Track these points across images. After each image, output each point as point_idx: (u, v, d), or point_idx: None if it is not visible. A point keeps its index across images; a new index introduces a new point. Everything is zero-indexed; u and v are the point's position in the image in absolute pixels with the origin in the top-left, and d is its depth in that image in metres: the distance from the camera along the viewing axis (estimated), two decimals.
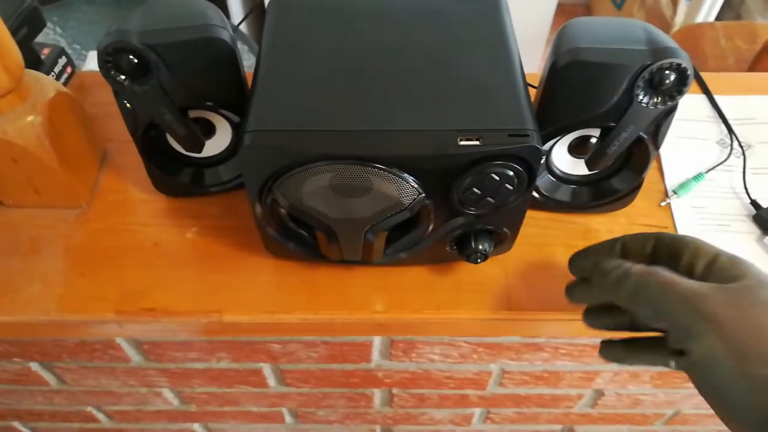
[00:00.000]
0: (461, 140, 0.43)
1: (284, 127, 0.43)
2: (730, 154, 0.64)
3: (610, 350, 0.47)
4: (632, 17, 1.91)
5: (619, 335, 0.47)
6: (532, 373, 0.75)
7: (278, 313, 0.54)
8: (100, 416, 0.90)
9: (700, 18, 1.60)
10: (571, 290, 0.48)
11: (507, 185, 0.45)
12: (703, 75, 0.71)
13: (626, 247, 0.46)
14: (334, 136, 0.43)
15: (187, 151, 0.55)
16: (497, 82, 0.46)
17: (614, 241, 0.47)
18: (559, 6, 1.69)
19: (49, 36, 1.07)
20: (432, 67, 0.47)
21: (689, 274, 0.41)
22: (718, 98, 0.68)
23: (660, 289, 0.39)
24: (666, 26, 1.80)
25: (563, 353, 0.70)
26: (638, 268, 0.41)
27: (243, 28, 1.57)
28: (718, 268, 0.40)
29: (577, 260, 0.49)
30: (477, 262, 0.52)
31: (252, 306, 0.54)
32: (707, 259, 0.41)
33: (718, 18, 1.63)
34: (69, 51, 1.03)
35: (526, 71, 0.48)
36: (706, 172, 0.62)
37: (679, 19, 1.76)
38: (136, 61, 0.46)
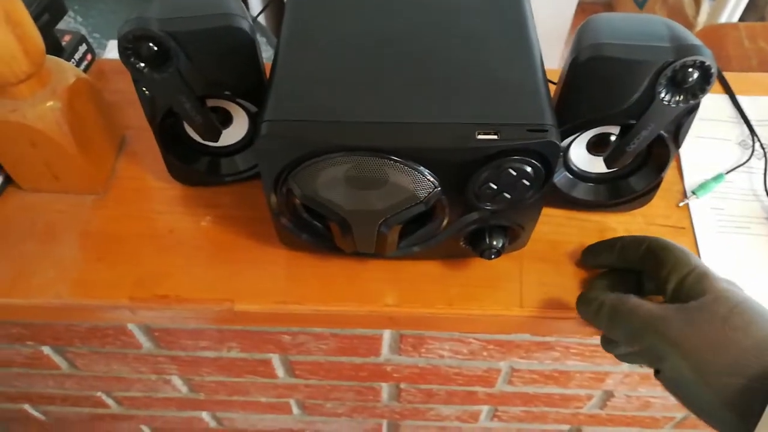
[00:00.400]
0: (479, 134, 0.42)
1: (301, 118, 0.43)
2: (751, 155, 0.63)
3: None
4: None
5: None
6: (542, 372, 0.75)
7: (290, 304, 0.54)
8: (110, 401, 0.90)
9: (723, 18, 1.58)
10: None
11: (524, 181, 0.45)
12: (726, 75, 0.71)
13: (624, 247, 0.51)
14: (350, 127, 0.43)
15: (204, 139, 0.55)
16: (516, 76, 0.46)
17: (615, 240, 0.53)
18: (580, 4, 1.68)
19: (70, 24, 1.08)
20: (450, 60, 0.47)
21: (664, 287, 0.46)
22: (740, 98, 0.68)
23: (628, 317, 0.45)
24: (688, 26, 1.78)
25: (574, 353, 0.69)
26: (611, 298, 0.47)
27: (261, 19, 1.57)
28: (686, 285, 0.44)
29: (585, 262, 0.55)
30: (491, 258, 0.51)
31: (264, 296, 0.54)
32: (680, 275, 0.45)
33: (741, 18, 1.61)
34: (90, 39, 1.04)
35: (547, 68, 0.48)
36: (727, 173, 0.61)
37: (702, 19, 1.74)
38: (155, 48, 0.46)
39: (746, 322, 0.40)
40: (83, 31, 1.06)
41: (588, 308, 0.49)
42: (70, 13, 1.04)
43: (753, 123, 0.65)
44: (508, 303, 0.54)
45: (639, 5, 2.00)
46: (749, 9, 1.69)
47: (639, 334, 0.44)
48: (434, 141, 0.43)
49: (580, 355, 0.70)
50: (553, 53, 1.75)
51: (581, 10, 1.72)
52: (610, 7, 2.29)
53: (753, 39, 1.23)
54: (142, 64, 0.47)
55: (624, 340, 0.47)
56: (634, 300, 0.45)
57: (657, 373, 0.44)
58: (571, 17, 1.69)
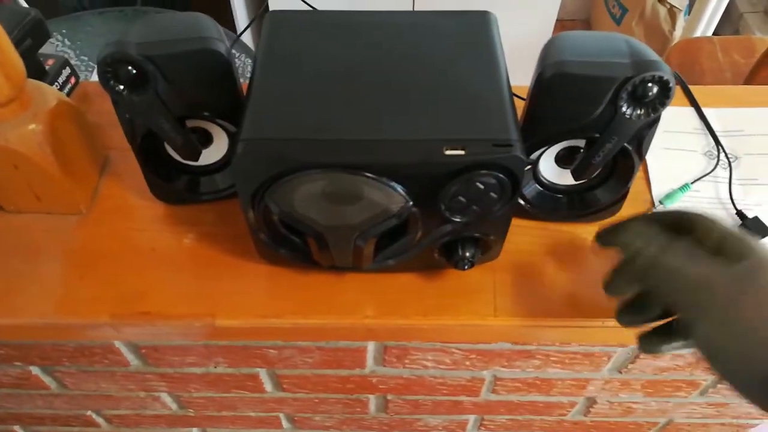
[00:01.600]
0: (447, 149, 0.44)
1: (276, 136, 0.45)
2: (716, 165, 0.65)
3: (647, 343, 0.48)
4: (631, 32, 1.92)
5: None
6: (525, 380, 0.76)
7: (270, 318, 0.55)
8: (100, 420, 0.91)
9: (698, 32, 1.61)
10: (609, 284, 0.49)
11: (492, 194, 0.46)
12: (693, 88, 0.73)
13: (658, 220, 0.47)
14: (324, 145, 0.44)
15: (184, 159, 0.56)
16: (484, 94, 0.47)
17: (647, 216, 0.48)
18: (559, 21, 1.71)
19: (57, 47, 1.10)
20: (421, 79, 0.49)
21: (704, 243, 0.43)
22: (706, 110, 0.70)
23: (674, 274, 0.42)
24: (665, 40, 1.82)
25: (554, 360, 0.71)
26: (653, 247, 0.43)
27: (247, 37, 1.60)
28: (727, 247, 0.42)
29: (605, 236, 0.49)
30: (464, 269, 0.53)
31: (244, 310, 0.55)
32: (721, 233, 0.43)
33: (716, 32, 1.64)
34: (76, 62, 1.06)
35: (524, 85, 0.49)
36: (693, 182, 0.63)
37: (678, 34, 1.78)
38: (134, 71, 0.48)
39: None
40: (71, 55, 1.08)
41: (631, 243, 0.45)
42: (58, 36, 1.06)
43: (718, 134, 0.67)
44: (482, 312, 0.55)
45: (616, 22, 2.04)
46: (724, 23, 1.73)
47: (676, 297, 0.42)
48: (405, 157, 0.44)
49: (561, 363, 0.71)
50: (532, 68, 1.77)
51: (561, 26, 1.75)
52: (587, 24, 2.33)
53: (727, 52, 1.26)
54: (122, 87, 0.49)
55: (657, 299, 0.44)
56: (676, 259, 0.42)
57: (686, 335, 0.43)
58: (549, 33, 1.72)
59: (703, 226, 0.44)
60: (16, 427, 0.94)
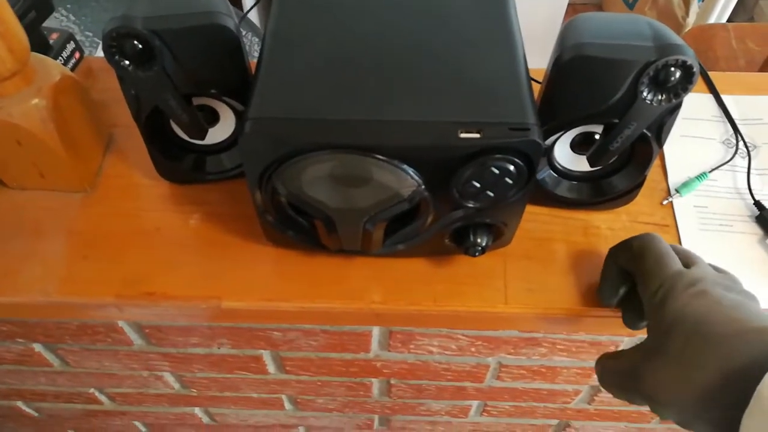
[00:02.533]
0: (461, 132, 0.43)
1: (285, 116, 0.44)
2: (735, 154, 0.63)
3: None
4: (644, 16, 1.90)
5: None
6: (530, 368, 0.75)
7: (276, 301, 0.54)
8: (103, 398, 0.91)
9: (712, 19, 1.59)
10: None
11: (507, 179, 0.45)
12: (711, 74, 0.71)
13: (618, 250, 0.51)
14: (334, 125, 0.43)
15: (190, 137, 0.55)
16: (500, 75, 0.46)
17: (626, 241, 0.50)
18: (571, 5, 1.68)
19: (62, 23, 1.08)
20: (435, 59, 0.47)
21: (642, 298, 0.46)
22: (725, 98, 0.68)
23: (610, 374, 0.46)
24: (678, 26, 1.79)
25: (561, 349, 0.70)
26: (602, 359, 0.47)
27: (253, 15, 1.57)
28: (654, 303, 0.44)
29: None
30: (475, 256, 0.52)
31: (250, 293, 0.54)
32: (650, 291, 0.45)
33: (730, 19, 1.61)
34: (81, 38, 1.04)
35: (535, 69, 0.48)
36: (710, 171, 0.62)
37: (691, 20, 1.75)
38: (140, 46, 0.46)
39: (701, 353, 0.38)
40: (75, 30, 1.06)
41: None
42: (63, 11, 1.04)
43: (737, 122, 0.66)
44: (492, 300, 0.54)
45: (629, 6, 2.01)
46: (738, 9, 1.69)
47: (623, 391, 0.44)
48: (417, 139, 0.43)
49: (567, 351, 0.70)
50: (543, 52, 1.75)
51: (572, 9, 1.73)
52: (599, 8, 2.29)
53: (741, 39, 1.24)
54: (127, 62, 0.47)
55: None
56: (612, 356, 0.46)
57: None
58: (561, 17, 1.69)
59: (647, 275, 0.46)
60: (19, 403, 0.94)
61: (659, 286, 0.44)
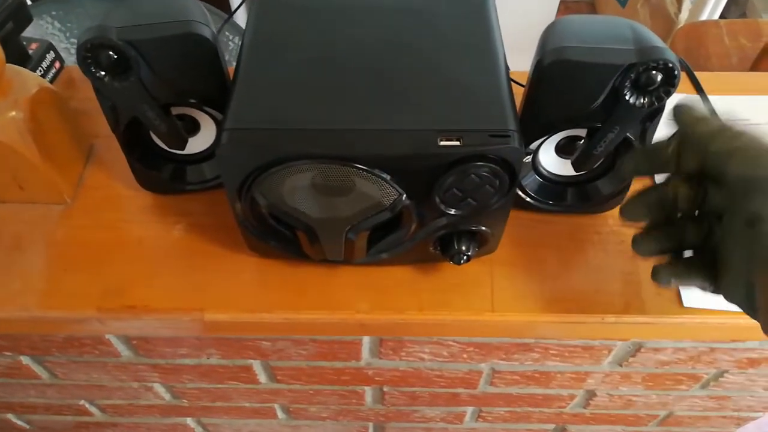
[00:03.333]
0: (441, 140, 0.42)
1: (263, 125, 0.43)
2: None
3: (665, 271, 0.42)
4: (636, 14, 1.89)
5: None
6: (523, 373, 0.75)
7: (259, 312, 0.53)
8: (93, 409, 0.90)
9: (704, 16, 1.58)
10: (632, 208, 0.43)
11: (488, 186, 0.45)
12: (699, 75, 0.70)
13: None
14: (313, 135, 0.43)
15: (169, 147, 0.54)
16: (480, 82, 0.45)
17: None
18: (563, 3, 1.68)
19: (47, 30, 1.07)
20: (414, 66, 0.47)
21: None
22: (713, 98, 0.67)
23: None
24: (670, 24, 1.78)
25: (553, 354, 0.69)
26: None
27: (242, 18, 1.56)
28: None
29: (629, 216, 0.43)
30: (460, 263, 0.51)
31: (233, 304, 0.54)
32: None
33: (722, 16, 1.61)
34: (66, 46, 1.03)
35: (525, 70, 0.47)
36: None
37: (684, 17, 1.74)
38: (115, 57, 0.46)
39: None
40: (61, 38, 1.05)
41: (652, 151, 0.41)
42: (47, 19, 1.03)
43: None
44: (479, 308, 0.54)
45: (621, 4, 2.00)
46: (730, 5, 1.69)
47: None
48: (397, 148, 0.42)
49: (560, 356, 0.70)
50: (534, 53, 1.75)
51: (565, 8, 1.72)
52: (592, 6, 2.28)
53: (733, 36, 1.23)
54: (103, 73, 0.47)
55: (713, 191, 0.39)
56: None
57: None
58: (553, 16, 1.69)
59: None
60: (10, 416, 0.93)
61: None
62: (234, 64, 0.51)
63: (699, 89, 0.69)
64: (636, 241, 0.43)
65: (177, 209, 0.59)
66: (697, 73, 0.69)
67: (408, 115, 0.43)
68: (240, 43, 1.15)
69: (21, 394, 0.84)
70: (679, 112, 0.41)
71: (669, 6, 1.77)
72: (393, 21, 0.49)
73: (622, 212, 0.44)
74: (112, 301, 0.53)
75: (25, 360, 0.73)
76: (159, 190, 0.59)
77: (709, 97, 0.68)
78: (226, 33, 1.03)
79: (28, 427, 0.98)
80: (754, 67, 1.19)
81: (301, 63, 0.47)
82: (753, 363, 0.70)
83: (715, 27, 1.27)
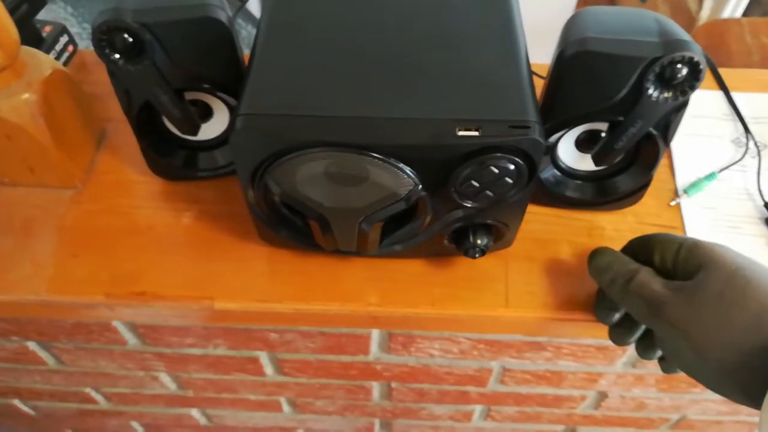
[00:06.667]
0: (460, 130, 0.41)
1: (277, 112, 0.42)
2: (745, 153, 0.61)
3: (619, 341, 0.51)
4: (656, 10, 1.86)
5: None
6: (534, 373, 0.74)
7: (270, 302, 0.53)
8: (98, 397, 0.90)
9: (726, 13, 1.56)
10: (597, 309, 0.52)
11: (507, 178, 0.43)
12: (722, 71, 0.69)
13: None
14: (328, 122, 0.42)
15: (182, 133, 0.54)
16: (500, 72, 0.44)
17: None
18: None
19: (59, 14, 1.07)
20: (433, 54, 0.45)
21: (663, 268, 0.45)
22: (735, 95, 0.66)
23: (636, 297, 0.44)
24: (691, 21, 1.76)
25: (566, 353, 0.68)
26: (623, 272, 0.46)
27: (255, 6, 1.56)
28: (681, 261, 0.44)
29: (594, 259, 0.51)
30: (475, 257, 0.50)
31: (244, 294, 0.53)
32: (672, 253, 0.45)
33: (745, 14, 1.59)
34: (78, 30, 1.03)
35: (544, 63, 0.46)
36: (719, 171, 0.60)
37: (705, 14, 1.72)
38: (130, 40, 0.45)
39: (742, 294, 0.39)
40: (73, 22, 1.05)
41: (602, 276, 0.48)
42: (60, 3, 1.03)
43: (747, 120, 0.64)
44: (493, 303, 0.53)
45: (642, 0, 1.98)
46: (753, 4, 1.66)
47: (644, 316, 0.44)
48: (414, 137, 0.41)
49: (573, 356, 0.69)
50: (552, 47, 1.73)
51: (584, 3, 1.70)
52: (612, 2, 2.26)
53: (755, 34, 1.21)
54: (117, 56, 0.46)
55: (635, 317, 0.47)
56: (642, 276, 0.45)
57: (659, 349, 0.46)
58: (572, 9, 1.67)
59: (661, 245, 0.46)
60: (16, 401, 0.94)
61: (680, 244, 0.44)
62: (246, 51, 0.50)
63: (722, 85, 0.67)
64: (611, 336, 0.51)
65: (188, 196, 0.58)
66: (720, 70, 0.68)
67: (426, 104, 0.42)
68: (255, 30, 1.15)
69: (27, 379, 0.84)
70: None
71: (690, 3, 1.75)
72: (412, 7, 0.48)
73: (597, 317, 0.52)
74: (122, 288, 0.53)
75: (31, 345, 0.73)
76: (170, 177, 0.59)
77: (732, 93, 0.66)
78: (239, 20, 1.02)
79: (33, 413, 0.98)
80: None
81: (317, 49, 0.46)
82: None
83: (736, 25, 1.25)
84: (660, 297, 0.42)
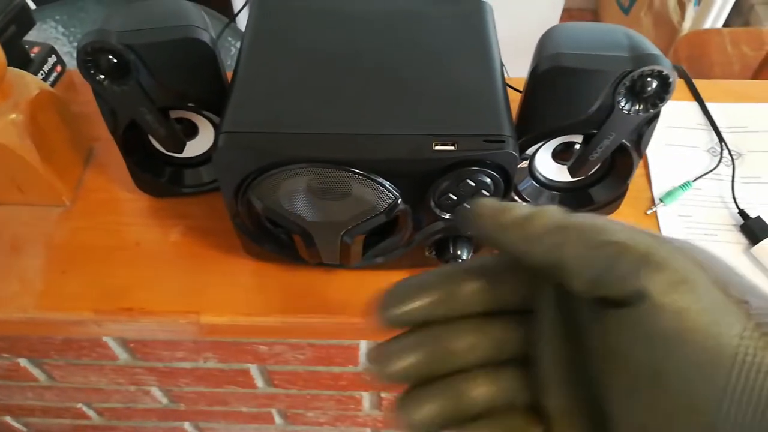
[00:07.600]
0: (436, 145, 0.42)
1: (259, 129, 0.43)
2: (719, 162, 0.63)
3: None
4: (639, 22, 1.89)
5: None
6: None
7: (256, 316, 0.53)
8: (91, 413, 0.90)
9: (707, 24, 1.58)
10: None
11: (483, 191, 0.45)
12: (699, 82, 0.70)
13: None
14: (308, 139, 0.43)
15: (168, 151, 0.55)
16: (475, 87, 0.45)
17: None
18: (566, 10, 1.68)
19: (51, 34, 1.08)
20: (411, 70, 0.47)
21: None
22: (711, 105, 0.67)
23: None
24: (673, 31, 1.78)
25: None
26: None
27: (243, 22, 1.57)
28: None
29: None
30: None
31: (230, 307, 0.54)
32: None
33: (726, 24, 1.61)
34: (69, 49, 1.04)
35: (526, 76, 0.48)
36: (694, 180, 0.61)
37: (687, 25, 1.74)
38: (115, 61, 0.46)
39: None
40: (64, 41, 1.06)
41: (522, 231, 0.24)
42: (51, 23, 1.04)
43: (722, 130, 0.65)
44: None
45: (624, 11, 2.01)
46: (734, 14, 1.69)
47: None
48: (392, 152, 0.43)
49: None
50: None
51: (568, 15, 1.73)
52: (595, 14, 2.29)
53: (736, 44, 1.23)
54: (102, 77, 0.47)
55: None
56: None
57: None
58: (556, 22, 1.69)
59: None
60: (8, 418, 0.94)
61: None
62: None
63: (697, 97, 0.69)
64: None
65: (175, 212, 0.59)
66: (696, 81, 0.70)
67: (403, 120, 0.44)
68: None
69: (19, 396, 0.84)
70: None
71: (672, 14, 1.78)
72: (390, 26, 0.50)
73: None
74: (110, 304, 0.53)
75: (23, 362, 0.74)
76: (157, 193, 0.60)
77: (708, 104, 0.68)
78: (228, 38, 1.03)
79: (25, 430, 0.98)
80: (757, 75, 1.19)
81: (298, 67, 0.47)
82: None
83: (717, 35, 1.28)
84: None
